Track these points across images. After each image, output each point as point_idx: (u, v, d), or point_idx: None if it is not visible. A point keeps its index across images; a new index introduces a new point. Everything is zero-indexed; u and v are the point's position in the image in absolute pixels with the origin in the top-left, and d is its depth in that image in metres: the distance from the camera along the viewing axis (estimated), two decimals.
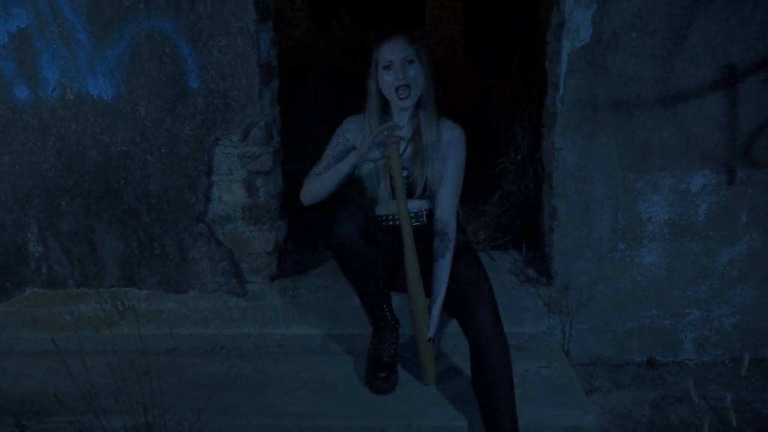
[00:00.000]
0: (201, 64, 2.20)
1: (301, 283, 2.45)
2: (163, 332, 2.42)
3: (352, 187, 2.04)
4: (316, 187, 1.96)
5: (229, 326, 2.44)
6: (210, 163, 2.31)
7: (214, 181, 2.33)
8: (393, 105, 1.97)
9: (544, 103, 2.39)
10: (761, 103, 2.19)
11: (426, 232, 2.04)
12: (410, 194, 1.98)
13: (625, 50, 2.15)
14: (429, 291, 2.00)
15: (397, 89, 1.90)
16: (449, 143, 1.98)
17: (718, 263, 2.36)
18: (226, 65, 2.19)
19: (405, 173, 1.95)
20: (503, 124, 3.60)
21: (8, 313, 2.50)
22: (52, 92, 2.27)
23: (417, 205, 2.03)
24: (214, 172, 2.32)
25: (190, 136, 2.28)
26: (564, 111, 2.22)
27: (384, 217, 2.07)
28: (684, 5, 2.10)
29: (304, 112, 4.70)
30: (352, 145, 2.01)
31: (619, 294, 2.38)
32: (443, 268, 1.95)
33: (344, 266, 1.94)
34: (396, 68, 1.89)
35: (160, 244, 2.41)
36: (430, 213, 2.04)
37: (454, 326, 2.24)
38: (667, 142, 2.24)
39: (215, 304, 2.44)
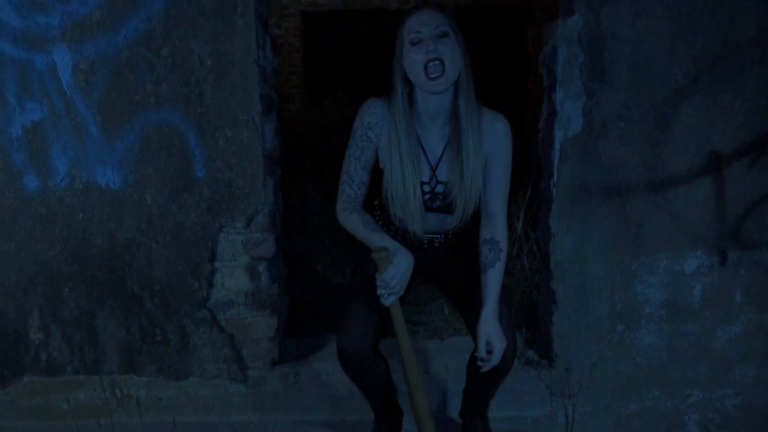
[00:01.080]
0: (207, 154, 2.28)
1: (302, 369, 2.45)
2: (162, 420, 2.38)
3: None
4: (349, 229, 1.78)
5: (230, 414, 2.41)
6: (214, 249, 2.35)
7: (217, 267, 2.37)
8: (421, 92, 1.63)
9: (539, 188, 2.47)
10: (746, 187, 2.28)
11: (454, 243, 1.88)
12: (447, 210, 1.73)
13: (615, 138, 2.25)
14: (464, 306, 1.86)
15: (426, 65, 1.53)
16: (494, 139, 1.69)
17: (716, 343, 2.39)
18: (232, 155, 2.27)
19: (441, 188, 1.72)
20: None
21: (3, 402, 2.46)
22: (61, 182, 2.33)
23: (448, 223, 1.80)
24: (217, 258, 2.36)
25: (195, 223, 2.33)
26: (558, 196, 2.29)
27: (407, 234, 1.83)
28: (667, 97, 2.22)
29: (301, 189, 4.79)
30: (376, 144, 1.71)
31: (620, 376, 2.39)
32: (493, 279, 1.72)
33: (351, 377, 1.85)
34: (426, 41, 1.54)
35: (161, 331, 2.41)
36: (461, 231, 1.85)
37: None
38: (659, 226, 2.31)
39: (216, 391, 2.42)
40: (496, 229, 1.76)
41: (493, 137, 1.68)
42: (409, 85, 1.63)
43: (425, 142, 1.68)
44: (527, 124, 7.40)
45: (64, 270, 2.40)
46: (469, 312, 1.83)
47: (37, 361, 2.45)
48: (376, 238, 1.68)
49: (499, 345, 1.68)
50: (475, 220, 1.86)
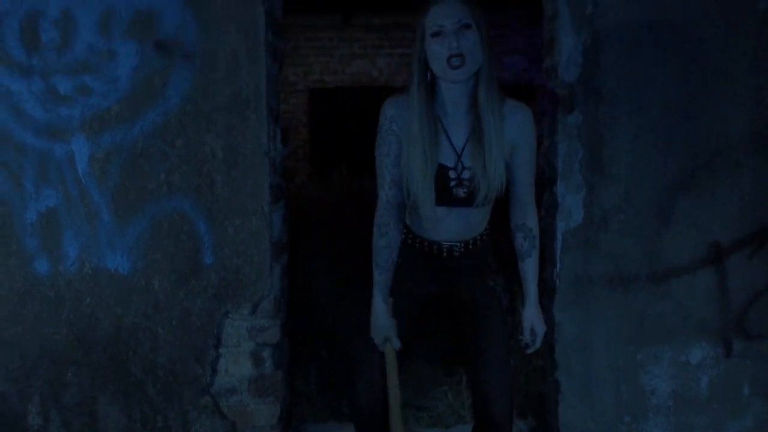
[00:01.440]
0: (216, 241, 2.32)
1: None
2: None
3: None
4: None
5: None
6: (219, 335, 2.36)
7: (221, 353, 2.37)
8: (443, 82, 1.63)
9: (542, 276, 2.50)
10: (748, 278, 2.30)
11: (474, 263, 1.81)
12: (470, 201, 1.67)
13: (616, 230, 2.30)
14: (470, 351, 1.80)
15: (449, 59, 1.54)
16: (518, 127, 1.68)
17: None
18: (240, 243, 2.32)
19: (467, 174, 1.66)
20: (502, 278, 3.71)
21: None
22: (71, 266, 2.37)
23: (470, 222, 1.74)
24: (222, 344, 2.36)
25: (201, 309, 2.35)
26: (562, 287, 2.32)
27: (424, 242, 1.77)
28: (665, 189, 2.28)
29: (305, 263, 4.81)
30: (401, 137, 1.68)
31: None
32: (531, 268, 1.79)
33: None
34: (448, 34, 1.54)
35: (163, 417, 2.39)
36: (481, 246, 1.81)
37: None
38: (662, 316, 2.32)
39: None
40: (527, 216, 1.78)
41: (516, 126, 1.67)
42: (431, 74, 1.63)
43: (450, 130, 1.66)
44: None
45: (69, 354, 2.40)
46: (476, 361, 1.77)
47: None
48: (375, 279, 1.73)
49: (541, 330, 1.81)
50: (491, 240, 1.88)
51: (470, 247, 1.78)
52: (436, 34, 1.56)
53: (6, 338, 2.39)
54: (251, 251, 2.32)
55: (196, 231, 2.33)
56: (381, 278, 1.71)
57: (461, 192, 1.67)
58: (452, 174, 1.66)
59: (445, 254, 1.76)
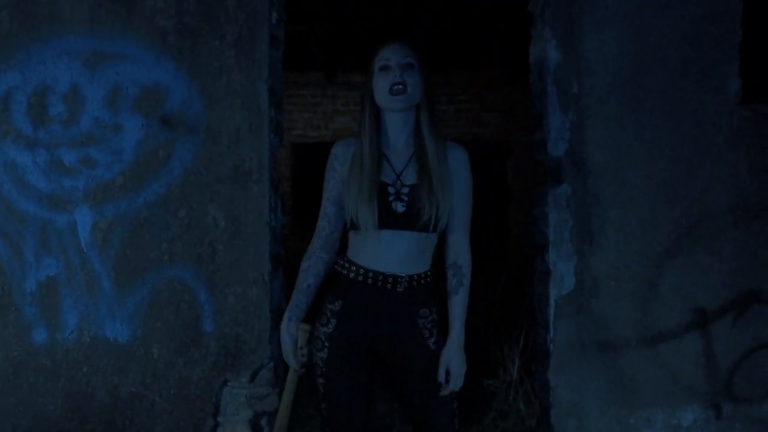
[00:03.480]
0: (217, 309, 2.35)
1: None
2: None
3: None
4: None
5: None
6: (217, 404, 2.36)
7: (220, 422, 2.36)
8: (387, 113, 1.74)
9: (536, 341, 2.56)
10: (733, 343, 2.39)
11: (417, 290, 1.74)
12: (411, 222, 1.68)
13: (606, 296, 2.38)
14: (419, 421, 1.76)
15: (392, 87, 1.68)
16: (457, 164, 1.76)
17: None
18: (241, 311, 2.35)
19: (405, 190, 1.70)
20: (492, 335, 3.75)
21: None
22: (69, 335, 2.36)
23: (412, 249, 1.71)
24: (220, 412, 2.36)
25: (200, 377, 2.35)
26: (555, 351, 2.38)
27: (368, 273, 1.71)
28: (652, 258, 2.38)
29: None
30: (341, 173, 1.75)
31: None
32: (457, 305, 1.75)
33: None
34: (393, 69, 1.69)
35: None
36: (425, 286, 1.76)
37: None
38: (653, 379, 2.39)
39: None
40: (458, 254, 1.77)
41: (454, 162, 1.76)
42: (376, 110, 1.75)
43: (391, 157, 1.75)
44: (511, 251, 7.65)
45: (63, 425, 2.37)
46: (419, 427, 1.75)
47: None
48: (291, 303, 1.75)
49: (458, 371, 1.71)
50: (431, 285, 1.79)
51: (414, 283, 1.72)
52: (383, 68, 1.71)
53: None
54: (251, 319, 2.35)
55: (196, 299, 2.36)
56: (294, 297, 1.76)
57: (399, 207, 1.69)
58: (391, 189, 1.71)
59: (389, 286, 1.70)
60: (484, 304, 4.71)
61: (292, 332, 1.72)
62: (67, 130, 2.34)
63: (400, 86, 1.68)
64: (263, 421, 2.37)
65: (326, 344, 1.73)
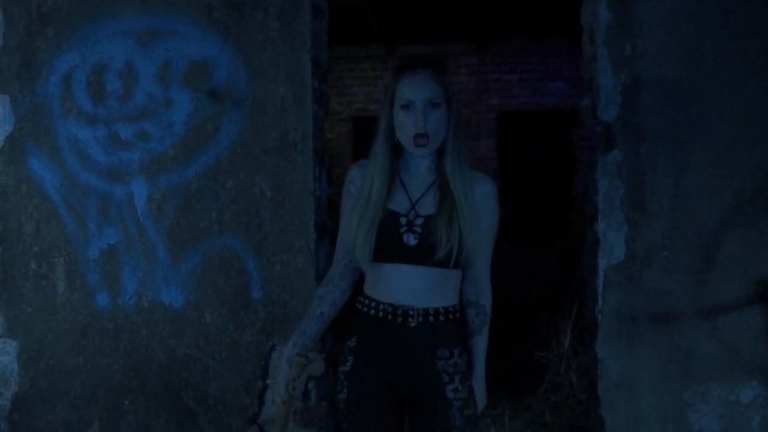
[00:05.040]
0: (264, 277, 2.42)
1: None
2: None
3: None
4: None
5: None
6: (266, 367, 2.45)
7: (268, 384, 2.45)
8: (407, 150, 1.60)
9: (584, 312, 2.50)
10: None
11: (435, 326, 1.58)
12: (423, 259, 1.54)
13: (659, 267, 2.29)
14: None
15: (415, 137, 1.53)
16: (484, 198, 1.60)
17: None
18: (287, 279, 2.41)
19: (420, 221, 1.55)
20: (543, 310, 3.70)
21: None
22: (129, 300, 2.51)
23: (426, 282, 1.56)
24: (269, 375, 2.45)
25: (249, 342, 2.45)
26: (604, 323, 2.31)
27: (379, 305, 1.58)
28: (711, 228, 2.26)
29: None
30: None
31: None
32: (480, 345, 1.64)
33: None
34: (417, 112, 1.52)
35: None
36: (446, 312, 1.59)
37: None
38: (710, 354, 2.28)
39: None
40: (480, 293, 1.65)
41: (481, 196, 1.59)
42: (393, 139, 1.60)
43: (409, 184, 1.60)
44: (574, 223, 7.45)
45: (126, 383, 2.53)
46: None
47: None
48: (297, 329, 1.63)
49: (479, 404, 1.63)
50: (460, 325, 1.64)
51: (430, 318, 1.56)
52: (404, 107, 1.54)
53: (69, 368, 2.54)
54: (297, 287, 2.41)
55: (245, 267, 2.44)
56: (304, 323, 1.63)
57: (411, 239, 1.54)
58: (403, 220, 1.56)
59: (399, 320, 1.55)
60: (538, 277, 4.63)
61: (290, 360, 1.57)
62: (123, 105, 2.45)
63: (424, 138, 1.52)
64: (310, 385, 2.45)
65: (345, 384, 1.61)
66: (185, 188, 2.44)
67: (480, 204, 1.58)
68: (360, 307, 1.63)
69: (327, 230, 2.56)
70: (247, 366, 2.46)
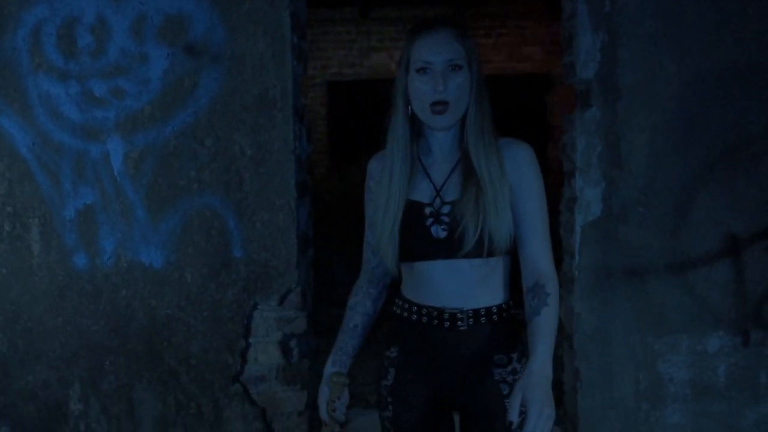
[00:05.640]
0: (245, 236, 2.42)
1: None
2: None
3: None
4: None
5: None
6: (248, 326, 2.46)
7: (251, 342, 2.47)
8: (425, 123, 1.40)
9: (561, 268, 2.56)
10: (765, 270, 2.34)
11: (487, 328, 1.37)
12: (455, 248, 1.34)
13: (634, 223, 2.35)
14: None
15: (432, 105, 1.33)
16: (518, 164, 1.37)
17: (744, 424, 2.39)
18: (268, 237, 2.41)
19: (447, 209, 1.36)
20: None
21: None
22: (107, 260, 2.48)
23: (467, 277, 1.36)
24: (251, 334, 2.46)
25: (231, 301, 2.45)
26: (580, 278, 2.37)
27: (422, 309, 1.40)
28: (684, 184, 2.32)
29: (325, 255, 4.91)
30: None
31: None
32: (539, 327, 1.27)
33: None
34: (435, 75, 1.33)
35: (196, 404, 2.50)
36: (499, 312, 1.38)
37: None
38: (680, 306, 2.37)
39: None
40: (538, 273, 1.33)
41: (514, 164, 1.37)
42: (412, 113, 1.41)
43: (430, 169, 1.41)
44: (549, 187, 7.53)
45: (106, 344, 2.51)
46: None
47: None
48: (335, 345, 1.49)
49: (538, 410, 1.17)
50: (516, 324, 1.43)
51: (482, 320, 1.36)
52: (421, 70, 1.33)
53: (48, 329, 2.52)
54: (279, 245, 2.41)
55: (225, 226, 2.43)
56: (339, 339, 1.49)
57: (440, 231, 1.35)
58: (428, 210, 1.37)
59: (447, 323, 1.37)
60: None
61: (328, 380, 1.43)
62: (96, 61, 2.39)
63: (442, 106, 1.32)
64: (292, 343, 2.47)
65: (389, 400, 1.44)
66: (163, 146, 2.40)
67: (514, 171, 1.36)
68: (398, 311, 1.45)
69: (307, 188, 2.56)
70: (229, 325, 2.47)
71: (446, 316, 1.36)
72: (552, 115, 7.77)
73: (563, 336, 2.62)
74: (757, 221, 2.32)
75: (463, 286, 1.36)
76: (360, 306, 1.50)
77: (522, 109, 8.01)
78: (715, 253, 2.34)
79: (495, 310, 1.37)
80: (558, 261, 2.53)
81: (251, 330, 2.47)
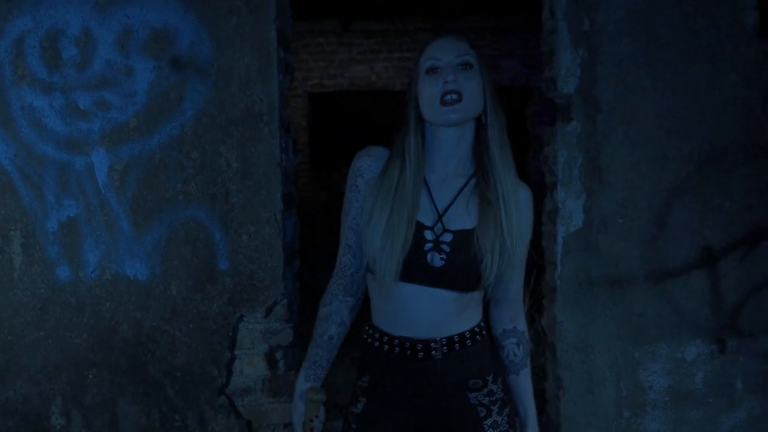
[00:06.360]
0: (231, 248, 2.42)
1: None
2: None
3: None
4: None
5: None
6: (234, 338, 2.46)
7: (237, 354, 2.47)
8: (436, 128, 1.32)
9: (544, 278, 2.60)
10: (740, 279, 2.41)
11: (462, 355, 1.35)
12: (451, 283, 1.29)
13: (614, 234, 2.40)
14: None
15: (443, 95, 1.26)
16: (522, 208, 1.34)
17: (721, 429, 2.46)
18: (254, 249, 2.42)
19: (448, 237, 1.30)
20: None
21: None
22: (91, 273, 2.46)
23: (453, 317, 1.32)
24: (237, 346, 2.46)
25: (217, 313, 2.45)
26: (563, 287, 2.42)
27: (393, 340, 1.34)
28: (662, 196, 2.38)
29: (307, 266, 4.90)
30: (364, 193, 1.35)
31: None
32: (528, 382, 1.41)
33: None
34: (446, 70, 1.27)
35: (181, 417, 2.48)
36: (472, 335, 1.35)
37: None
38: (659, 315, 2.43)
39: None
40: (518, 317, 1.40)
41: (521, 206, 1.33)
42: (423, 124, 1.34)
43: (433, 188, 1.34)
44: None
45: (89, 357, 2.49)
46: None
47: None
48: (307, 353, 1.43)
49: None
50: (489, 344, 1.41)
51: (456, 347, 1.33)
52: (430, 70, 1.29)
53: (29, 342, 2.49)
54: (265, 257, 2.42)
55: (211, 238, 2.43)
56: (311, 352, 1.41)
57: (437, 260, 1.29)
58: (428, 234, 1.29)
59: (421, 354, 1.32)
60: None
61: (303, 396, 1.38)
62: (81, 73, 2.38)
63: (455, 95, 1.25)
64: (278, 355, 2.48)
65: (354, 427, 1.39)
66: (148, 158, 2.40)
67: (520, 214, 1.32)
68: (369, 341, 1.39)
69: (294, 201, 2.58)
70: (215, 337, 2.47)
71: (420, 347, 1.32)
72: (531, 126, 7.89)
73: (546, 344, 2.66)
74: (732, 231, 2.39)
75: (441, 316, 1.32)
76: (336, 316, 1.41)
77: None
78: (692, 263, 2.40)
79: (468, 335, 1.34)
80: (540, 272, 2.59)
81: (237, 342, 2.47)
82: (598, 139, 2.36)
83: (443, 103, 1.26)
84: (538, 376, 3.10)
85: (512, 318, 1.40)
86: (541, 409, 2.76)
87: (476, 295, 1.34)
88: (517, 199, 1.32)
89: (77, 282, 2.47)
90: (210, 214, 2.42)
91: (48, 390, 2.51)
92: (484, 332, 1.38)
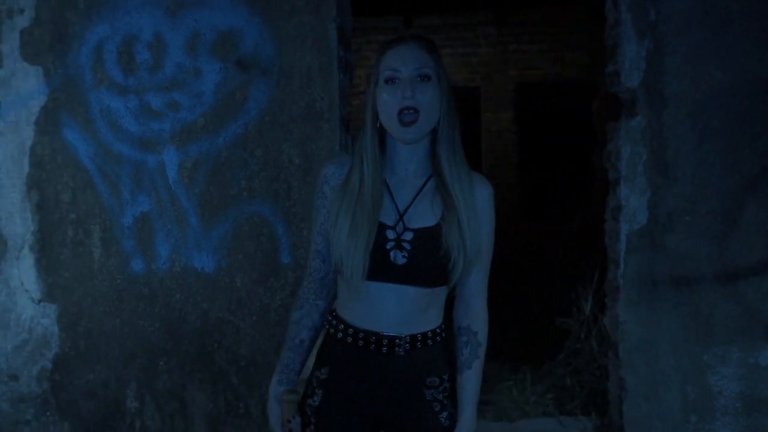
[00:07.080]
0: (293, 242, 2.50)
1: None
2: None
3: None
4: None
5: None
6: None
7: None
8: (394, 139, 1.37)
9: (606, 276, 2.54)
10: None
11: (423, 354, 1.39)
12: (413, 279, 1.34)
13: (681, 231, 2.32)
14: None
15: (400, 112, 1.30)
16: (483, 203, 1.39)
17: None
18: None
19: (409, 235, 1.35)
20: (564, 278, 3.75)
21: None
22: (162, 265, 2.59)
23: (418, 314, 1.37)
24: None
25: (279, 306, 2.53)
26: (626, 286, 2.36)
27: (358, 333, 1.37)
28: (732, 192, 2.28)
29: None
30: (330, 198, 1.41)
31: None
32: (471, 383, 1.41)
33: None
34: (404, 83, 1.31)
35: (245, 404, 2.58)
36: (433, 336, 1.40)
37: None
38: (730, 317, 2.33)
39: None
40: (475, 317, 1.42)
41: (480, 201, 1.38)
42: (381, 126, 1.37)
43: (394, 190, 1.38)
44: (594, 195, 7.43)
45: (161, 345, 2.63)
46: None
47: (132, 429, 2.66)
48: (280, 356, 1.45)
49: None
50: (446, 347, 1.45)
51: (418, 345, 1.37)
52: (389, 80, 1.32)
53: (107, 330, 2.65)
54: None
55: (274, 233, 2.51)
56: (285, 356, 1.44)
57: (399, 258, 1.33)
58: (390, 234, 1.34)
59: (385, 349, 1.35)
60: (559, 248, 4.67)
61: (278, 398, 1.42)
62: (153, 76, 2.51)
63: (412, 113, 1.29)
64: None
65: (312, 420, 1.41)
66: (215, 156, 2.51)
67: (480, 210, 1.37)
68: (332, 331, 1.41)
69: None
70: (277, 329, 2.55)
71: (385, 342, 1.35)
72: (597, 121, 7.66)
73: (609, 344, 2.60)
74: None
75: (407, 313, 1.36)
76: (307, 320, 1.44)
77: (567, 115, 7.93)
78: (765, 263, 2.29)
79: (430, 335, 1.38)
80: (603, 269, 2.53)
81: None
82: (664, 134, 2.28)
83: (402, 123, 1.31)
84: (601, 377, 3.03)
85: (468, 315, 1.43)
86: (603, 411, 2.70)
87: (440, 291, 1.39)
88: (474, 195, 1.37)
89: (150, 274, 2.61)
90: (273, 209, 2.50)
91: (123, 375, 2.66)
92: (444, 334, 1.42)
